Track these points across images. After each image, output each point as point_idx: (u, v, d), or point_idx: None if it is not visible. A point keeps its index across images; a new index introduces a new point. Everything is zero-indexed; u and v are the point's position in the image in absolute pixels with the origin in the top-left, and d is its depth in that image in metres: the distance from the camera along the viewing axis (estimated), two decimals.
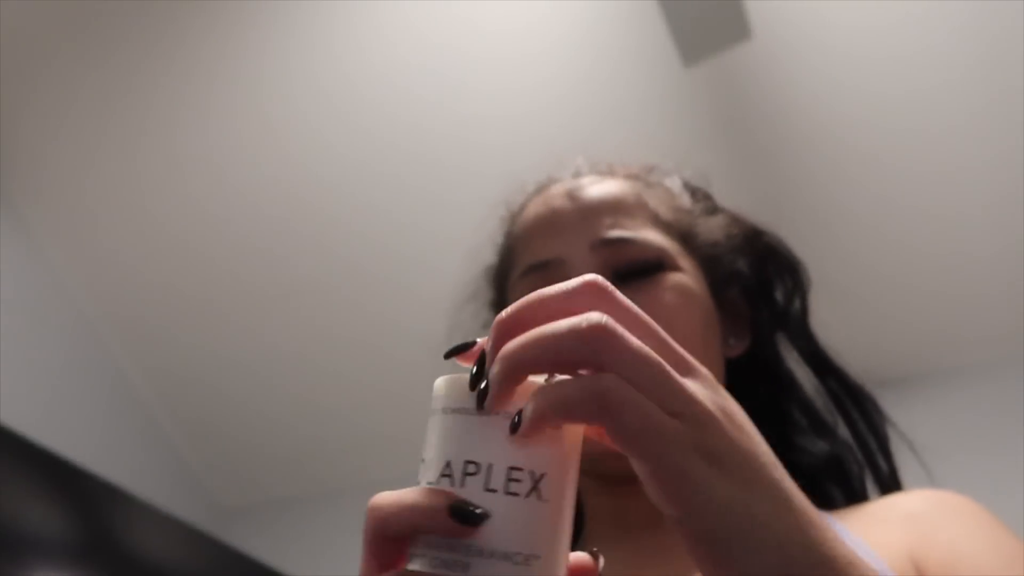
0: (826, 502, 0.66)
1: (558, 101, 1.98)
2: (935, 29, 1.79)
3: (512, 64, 1.95)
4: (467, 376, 0.32)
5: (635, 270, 0.63)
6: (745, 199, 0.78)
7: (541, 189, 0.73)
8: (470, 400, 0.31)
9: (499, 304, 0.75)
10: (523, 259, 0.68)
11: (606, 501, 0.63)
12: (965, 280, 2.07)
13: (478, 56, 1.95)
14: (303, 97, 2.03)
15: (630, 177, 0.71)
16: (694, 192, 0.74)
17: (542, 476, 0.31)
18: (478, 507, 0.30)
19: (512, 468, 0.30)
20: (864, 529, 0.56)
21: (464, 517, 0.29)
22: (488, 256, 0.77)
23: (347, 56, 1.97)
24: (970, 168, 1.94)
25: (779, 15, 1.81)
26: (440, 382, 0.33)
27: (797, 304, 0.70)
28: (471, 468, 0.30)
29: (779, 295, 0.70)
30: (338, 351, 2.38)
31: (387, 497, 0.31)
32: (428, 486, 0.31)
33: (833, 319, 0.74)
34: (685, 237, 0.67)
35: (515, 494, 0.30)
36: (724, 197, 0.77)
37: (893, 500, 0.59)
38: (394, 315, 2.25)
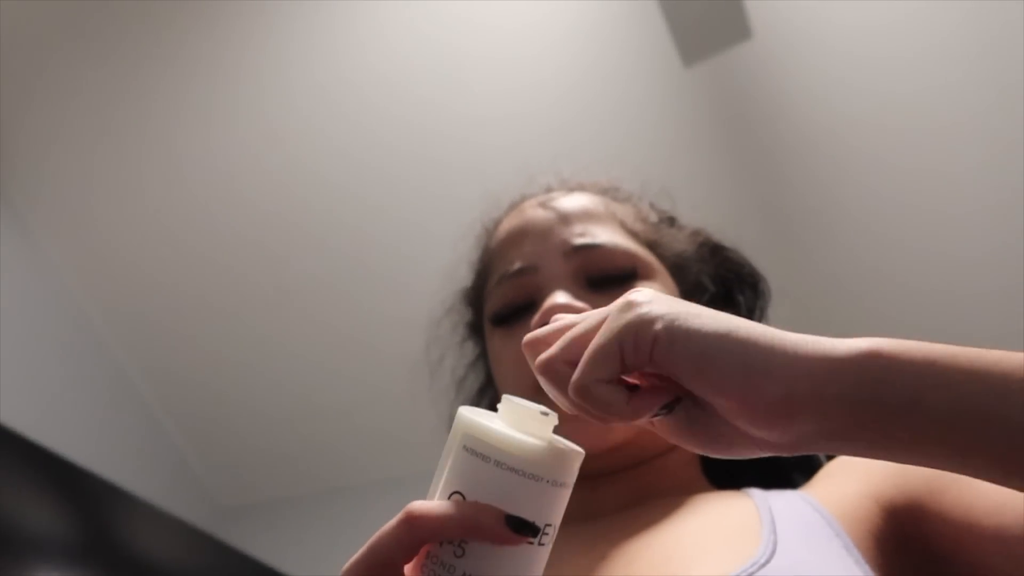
0: (790, 484, 0.68)
1: (558, 101, 1.98)
2: (935, 29, 1.79)
3: (512, 64, 1.95)
4: (524, 439, 0.36)
5: (609, 277, 0.65)
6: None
7: (514, 206, 0.76)
8: (528, 464, 0.36)
9: (476, 325, 0.77)
10: (499, 269, 0.70)
11: (575, 496, 0.65)
12: (965, 280, 2.07)
13: (478, 55, 1.95)
14: (303, 96, 2.03)
15: (599, 192, 0.74)
16: (659, 211, 0.77)
17: (556, 528, 0.38)
18: (530, 519, 0.35)
19: (547, 524, 0.37)
20: (816, 489, 0.59)
21: (519, 527, 0.35)
22: (464, 273, 0.79)
23: (346, 55, 1.97)
24: (971, 167, 1.94)
25: (779, 15, 1.81)
26: (494, 431, 0.37)
27: (757, 316, 0.73)
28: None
29: (740, 306, 0.73)
30: (338, 350, 2.38)
31: (435, 507, 0.35)
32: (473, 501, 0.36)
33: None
34: (653, 246, 0.70)
35: (543, 544, 0.37)
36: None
37: (844, 459, 0.61)
38: (394, 314, 2.25)
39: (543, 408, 0.38)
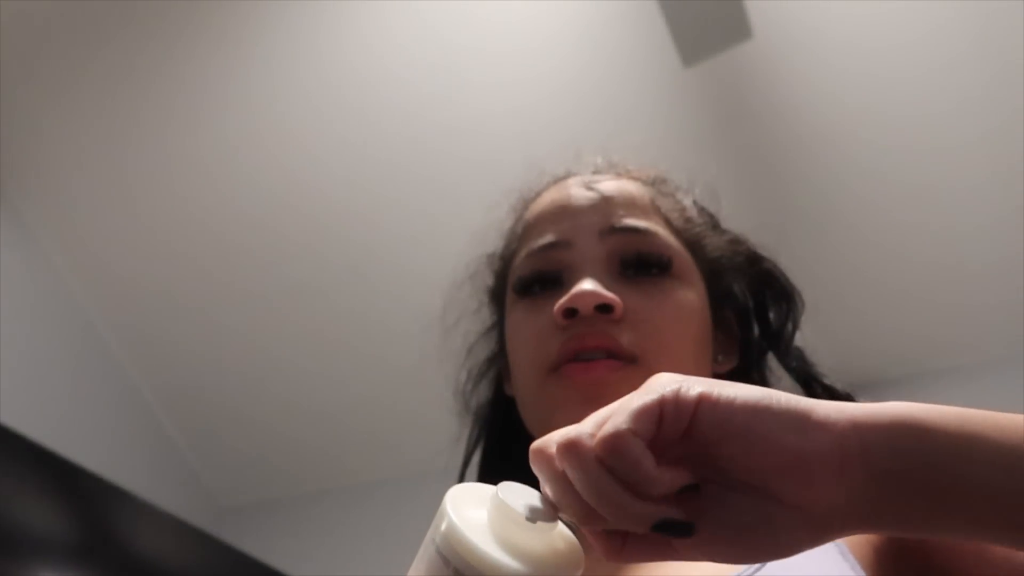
0: None
1: (557, 101, 1.98)
2: (937, 31, 1.79)
3: (512, 61, 1.95)
4: (490, 555, 0.33)
5: (643, 262, 0.64)
6: (744, 199, 0.79)
7: (557, 180, 0.74)
8: None
9: (497, 292, 0.76)
10: (531, 241, 0.68)
11: None
12: (960, 283, 2.06)
13: (478, 52, 1.94)
14: (299, 100, 2.03)
15: (646, 182, 0.72)
16: (702, 210, 0.75)
17: None
18: None
19: None
20: None
21: None
22: (492, 241, 0.78)
23: (352, 52, 1.97)
24: (972, 161, 1.94)
25: (780, 15, 1.81)
26: (463, 537, 0.34)
27: (789, 328, 0.72)
28: None
29: (772, 318, 0.72)
30: (339, 351, 2.38)
31: None
32: None
33: (829, 320, 0.75)
34: (693, 247, 0.68)
35: None
36: (722, 196, 0.78)
37: None
38: (390, 318, 2.25)
39: (534, 509, 0.35)
